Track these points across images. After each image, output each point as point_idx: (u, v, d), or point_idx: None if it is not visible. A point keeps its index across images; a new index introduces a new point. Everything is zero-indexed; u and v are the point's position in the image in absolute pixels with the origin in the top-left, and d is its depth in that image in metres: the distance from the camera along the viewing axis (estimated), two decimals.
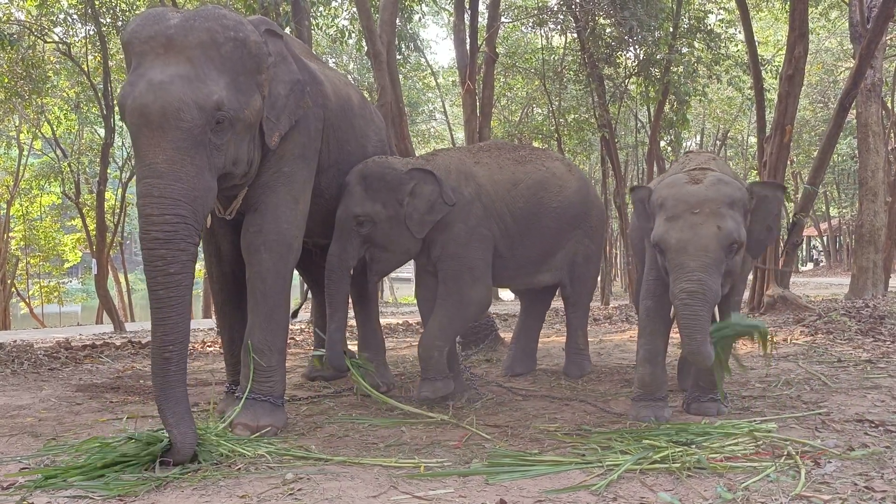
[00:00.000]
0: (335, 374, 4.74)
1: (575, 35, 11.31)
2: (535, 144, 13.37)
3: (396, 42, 7.68)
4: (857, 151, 10.88)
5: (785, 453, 2.63)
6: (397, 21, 7.42)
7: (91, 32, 10.84)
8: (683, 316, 2.92)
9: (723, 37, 11.07)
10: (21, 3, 11.14)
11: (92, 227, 12.96)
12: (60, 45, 10.98)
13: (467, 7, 8.56)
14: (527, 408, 3.73)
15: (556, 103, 13.09)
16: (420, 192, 3.81)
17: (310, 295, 5.25)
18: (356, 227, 3.77)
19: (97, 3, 9.72)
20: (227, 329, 3.71)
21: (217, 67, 2.86)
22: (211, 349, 6.66)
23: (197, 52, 2.82)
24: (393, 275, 19.32)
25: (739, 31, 11.91)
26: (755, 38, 8.92)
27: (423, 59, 17.09)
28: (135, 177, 2.84)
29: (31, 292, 19.02)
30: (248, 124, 3.01)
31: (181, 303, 2.72)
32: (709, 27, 10.98)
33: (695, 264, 2.92)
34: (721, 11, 12.75)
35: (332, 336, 3.78)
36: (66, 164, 14.51)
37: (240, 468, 2.65)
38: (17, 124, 14.73)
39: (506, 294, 17.02)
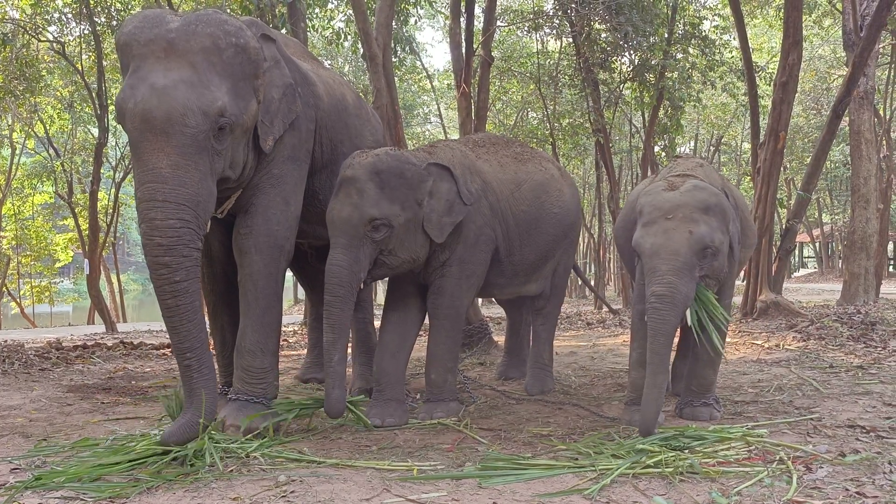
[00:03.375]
0: None
1: (570, 40, 11.34)
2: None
3: (392, 45, 7.67)
4: (849, 158, 10.95)
5: (777, 458, 2.64)
6: (393, 24, 7.42)
7: (85, 32, 10.82)
8: (651, 318, 3.01)
9: (717, 43, 11.10)
10: (15, 1, 11.10)
11: (84, 226, 12.91)
12: (54, 44, 10.94)
13: (463, 11, 8.56)
14: (520, 411, 3.73)
15: (551, 107, 13.11)
16: (438, 191, 3.44)
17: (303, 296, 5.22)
18: (370, 233, 3.26)
19: (92, 2, 9.69)
20: (218, 330, 3.70)
21: (218, 73, 2.86)
22: None
23: (199, 58, 2.82)
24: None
25: (734, 38, 11.96)
26: (749, 45, 8.96)
27: (418, 62, 17.10)
28: (132, 179, 2.84)
29: (22, 292, 18.91)
30: (246, 129, 3.03)
31: (191, 309, 2.75)
32: (703, 33, 11.02)
33: (666, 268, 3.00)
34: (716, 18, 12.79)
35: (335, 370, 3.15)
36: (58, 163, 14.46)
37: (232, 470, 2.64)
38: (9, 123, 14.67)
39: None
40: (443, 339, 3.62)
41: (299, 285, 5.25)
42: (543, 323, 4.43)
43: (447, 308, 3.61)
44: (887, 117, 13.70)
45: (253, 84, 3.05)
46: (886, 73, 14.15)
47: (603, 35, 10.66)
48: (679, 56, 10.87)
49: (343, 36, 10.72)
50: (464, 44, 8.48)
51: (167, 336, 7.63)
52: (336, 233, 3.28)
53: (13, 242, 17.35)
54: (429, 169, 3.46)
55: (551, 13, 11.58)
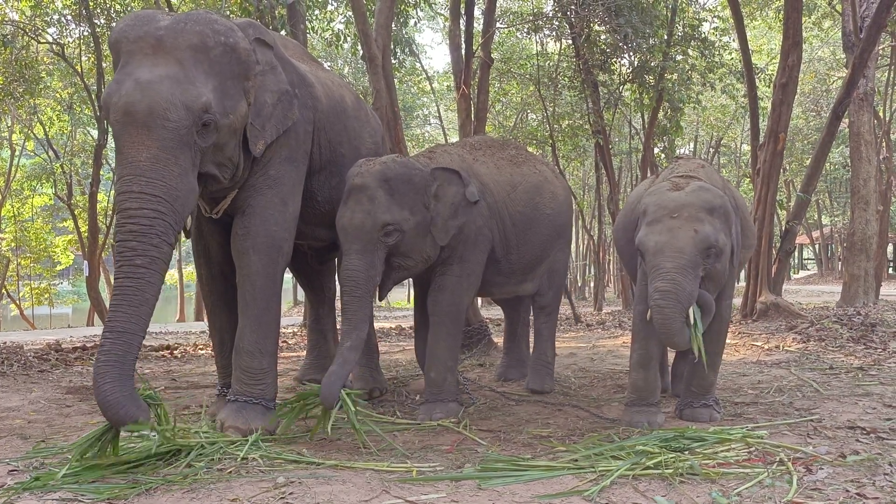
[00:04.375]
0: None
1: (570, 41, 11.34)
2: (530, 150, 13.38)
3: (392, 46, 7.68)
4: (849, 160, 10.95)
5: (777, 460, 2.64)
6: (393, 25, 7.42)
7: (85, 33, 10.81)
8: (656, 317, 3.02)
9: (717, 45, 11.11)
10: (15, 3, 11.10)
11: (84, 228, 12.89)
12: (54, 46, 10.94)
13: (463, 12, 8.57)
14: (519, 413, 3.72)
15: (551, 109, 13.11)
16: (444, 195, 3.56)
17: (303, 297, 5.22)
18: (383, 238, 3.37)
19: (91, 4, 9.70)
20: (217, 331, 3.69)
21: (205, 71, 2.87)
22: (203, 351, 6.63)
23: (186, 55, 2.83)
24: None
25: (733, 40, 11.96)
26: (749, 47, 8.97)
27: (418, 64, 17.12)
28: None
29: (21, 294, 18.89)
30: (233, 129, 3.02)
31: (138, 295, 2.62)
32: (703, 35, 11.04)
33: (670, 265, 3.01)
34: (715, 20, 12.80)
35: (345, 356, 3.22)
36: (58, 165, 14.45)
37: (230, 471, 2.63)
38: (9, 125, 14.67)
39: None
40: (443, 337, 3.66)
41: (299, 287, 5.25)
42: (545, 321, 4.50)
43: (448, 305, 3.67)
44: (887, 119, 13.71)
45: (243, 85, 3.05)
46: (886, 74, 14.16)
47: (602, 37, 10.66)
48: (679, 58, 10.87)
49: (342, 37, 10.72)
50: (463, 45, 8.49)
51: (166, 337, 7.60)
52: (349, 239, 3.37)
53: (13, 244, 17.34)
54: (434, 173, 3.57)
55: (551, 15, 11.59)
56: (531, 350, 4.64)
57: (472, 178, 3.80)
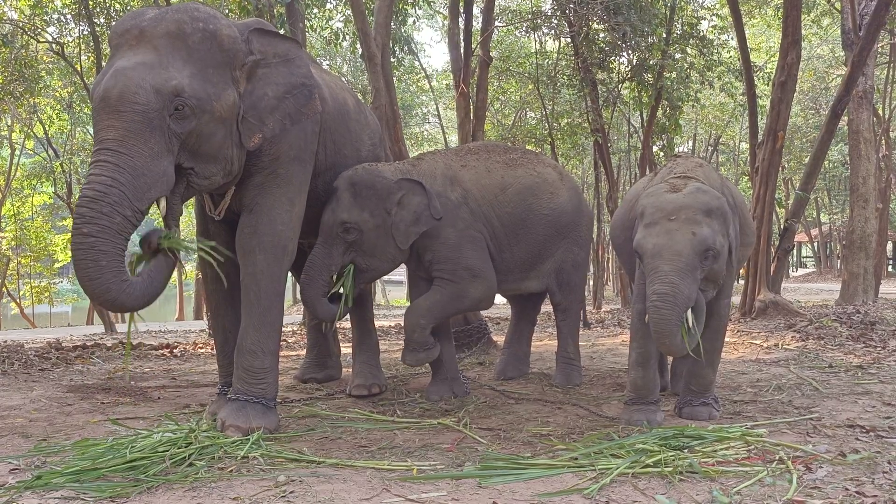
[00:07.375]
0: (328, 376, 4.75)
1: (569, 40, 11.33)
2: (529, 148, 13.36)
3: (391, 45, 7.68)
4: (848, 158, 10.96)
5: (777, 458, 2.64)
6: (392, 24, 7.41)
7: (84, 32, 10.79)
8: (653, 319, 3.02)
9: (715, 43, 11.10)
10: (14, 2, 11.08)
11: None
12: (54, 45, 10.93)
13: (462, 11, 8.57)
14: (519, 411, 3.73)
15: (550, 107, 13.10)
16: (408, 203, 3.81)
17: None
18: (342, 234, 3.75)
19: (91, 3, 9.68)
20: (220, 330, 3.70)
21: (183, 57, 2.88)
22: (203, 350, 6.64)
23: (163, 42, 2.86)
24: (385, 277, 19.42)
25: (732, 38, 11.96)
26: (748, 45, 8.97)
27: (417, 62, 17.11)
28: None
29: (21, 292, 18.89)
30: (218, 117, 2.97)
31: (93, 265, 2.62)
32: (702, 33, 11.02)
33: (668, 268, 3.01)
34: (714, 18, 12.79)
35: (302, 290, 3.80)
36: (58, 164, 14.43)
37: (231, 470, 2.64)
38: (9, 124, 14.65)
39: (498, 298, 16.99)
40: (430, 296, 3.92)
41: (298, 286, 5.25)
42: (564, 318, 4.58)
43: (447, 283, 3.94)
44: (886, 117, 13.71)
45: (230, 74, 3.03)
46: (885, 72, 14.16)
47: (601, 35, 10.65)
48: (677, 56, 10.86)
49: (341, 36, 10.72)
50: (462, 44, 8.49)
51: (165, 336, 7.60)
52: (320, 232, 3.81)
53: (13, 243, 17.32)
54: (400, 183, 3.83)
55: (549, 13, 11.58)
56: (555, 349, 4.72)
57: (455, 185, 4.01)
